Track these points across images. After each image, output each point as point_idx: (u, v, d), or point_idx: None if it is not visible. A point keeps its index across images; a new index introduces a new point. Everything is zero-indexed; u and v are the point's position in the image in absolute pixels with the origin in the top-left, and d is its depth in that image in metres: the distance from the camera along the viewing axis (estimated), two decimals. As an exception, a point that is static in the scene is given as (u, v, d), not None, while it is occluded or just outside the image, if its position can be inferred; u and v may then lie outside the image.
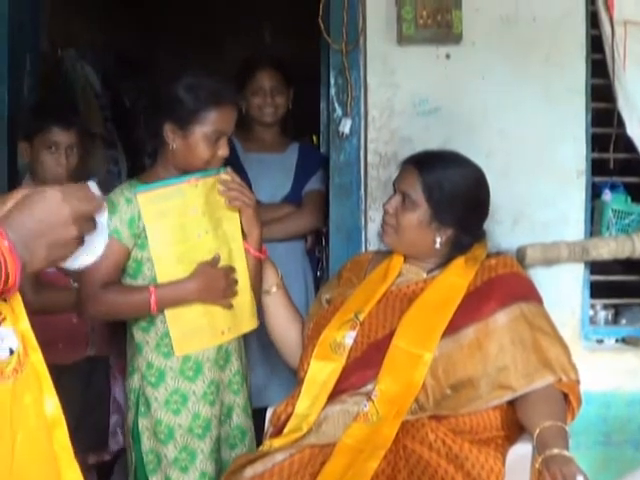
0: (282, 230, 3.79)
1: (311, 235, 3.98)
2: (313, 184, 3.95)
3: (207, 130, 2.72)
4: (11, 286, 1.45)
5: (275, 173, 3.94)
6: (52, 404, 1.59)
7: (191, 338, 2.80)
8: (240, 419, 2.95)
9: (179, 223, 2.74)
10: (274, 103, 3.96)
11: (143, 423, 2.81)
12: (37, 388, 1.58)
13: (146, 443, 2.81)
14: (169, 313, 2.76)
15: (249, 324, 2.94)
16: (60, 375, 3.17)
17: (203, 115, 2.71)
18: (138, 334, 2.83)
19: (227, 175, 2.83)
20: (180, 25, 7.12)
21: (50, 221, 1.50)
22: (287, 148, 4.07)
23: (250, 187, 3.64)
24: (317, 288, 3.86)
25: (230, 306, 2.83)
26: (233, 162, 3.07)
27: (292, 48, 5.47)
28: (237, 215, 2.88)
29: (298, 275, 3.86)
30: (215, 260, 2.79)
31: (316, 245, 4.00)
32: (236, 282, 2.84)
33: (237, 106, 2.84)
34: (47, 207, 1.51)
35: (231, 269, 2.83)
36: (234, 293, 2.84)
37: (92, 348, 3.45)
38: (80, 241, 1.56)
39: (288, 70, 4.06)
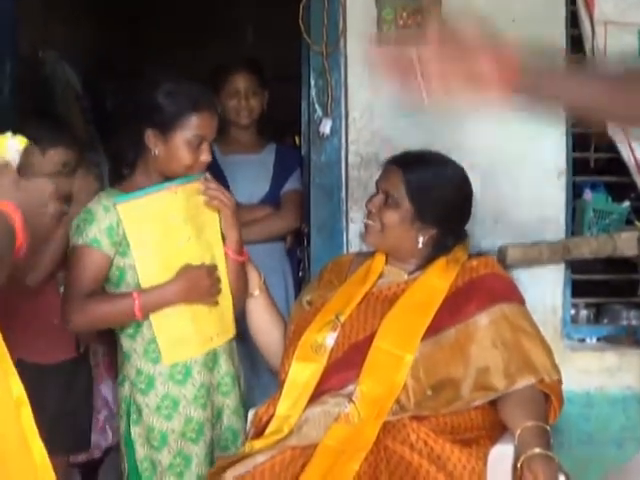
0: (261, 231, 3.79)
1: (291, 235, 3.97)
2: (291, 184, 3.95)
3: (188, 135, 2.73)
4: (21, 244, 1.67)
5: (253, 174, 3.94)
6: (16, 385, 1.68)
7: (180, 346, 2.78)
8: (231, 421, 2.92)
9: (161, 231, 2.74)
10: (249, 105, 3.97)
11: (136, 430, 2.78)
12: (2, 372, 1.65)
13: (140, 451, 2.78)
14: (156, 321, 2.74)
15: (232, 330, 2.93)
16: (43, 375, 3.18)
17: (184, 121, 2.72)
18: (125, 342, 2.81)
19: (206, 180, 2.83)
20: (165, 26, 7.11)
21: (41, 195, 1.79)
22: (264, 149, 4.07)
23: (228, 189, 3.64)
24: (298, 288, 3.86)
25: (216, 303, 2.81)
26: (211, 165, 3.06)
27: (277, 48, 5.47)
28: (217, 221, 2.87)
29: (278, 275, 3.85)
30: (201, 265, 2.78)
31: (296, 244, 4.00)
32: (219, 280, 2.82)
33: (217, 111, 2.84)
34: (37, 183, 1.80)
35: (214, 267, 2.81)
36: (218, 291, 2.81)
37: (82, 345, 3.43)
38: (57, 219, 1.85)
39: (263, 72, 4.07)
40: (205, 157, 2.77)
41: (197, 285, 2.74)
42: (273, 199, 3.93)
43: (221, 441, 2.91)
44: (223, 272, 2.86)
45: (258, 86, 4.00)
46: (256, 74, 4.02)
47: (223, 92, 3.95)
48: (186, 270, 2.74)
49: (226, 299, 2.88)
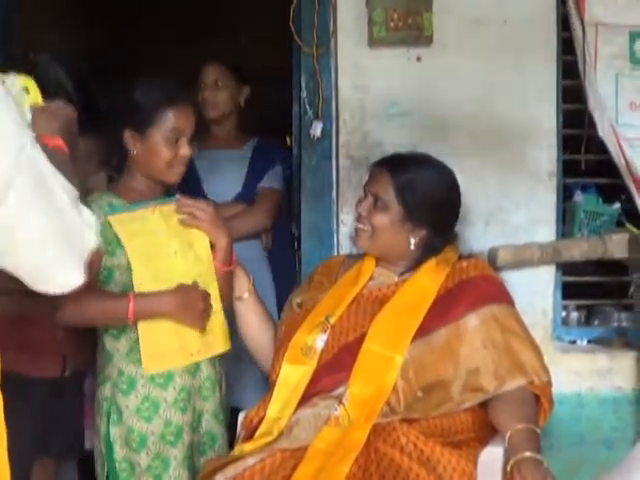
0: (231, 230, 3.70)
1: (266, 234, 3.93)
2: (267, 182, 3.92)
3: (165, 131, 2.75)
4: None
5: (227, 170, 3.92)
6: None
7: (161, 357, 2.77)
8: (210, 425, 2.91)
9: (149, 243, 2.75)
10: (214, 98, 3.97)
11: (115, 431, 2.77)
12: None
13: (119, 452, 2.77)
14: (142, 330, 2.74)
15: (222, 346, 2.90)
16: (34, 380, 3.16)
17: (159, 116, 2.74)
18: (109, 342, 2.81)
19: (178, 201, 2.83)
20: (165, 26, 7.11)
21: (69, 120, 2.01)
22: (244, 145, 4.05)
23: (200, 185, 3.62)
24: (283, 290, 3.76)
25: (203, 329, 2.80)
26: None
27: (276, 48, 5.48)
28: (206, 236, 2.86)
29: (255, 275, 3.77)
30: (194, 284, 2.77)
31: (285, 246, 3.94)
32: (211, 307, 2.81)
33: (193, 106, 2.86)
34: (62, 109, 2.02)
35: (208, 294, 2.81)
36: (208, 317, 2.81)
37: (69, 369, 3.41)
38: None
39: (240, 67, 4.07)
40: (184, 151, 2.78)
41: (191, 306, 2.74)
42: (247, 197, 3.89)
43: (200, 445, 2.90)
44: (214, 289, 2.85)
45: (228, 79, 4.00)
46: (227, 68, 4.01)
47: (197, 86, 3.98)
48: (183, 287, 2.74)
49: (217, 317, 2.86)
